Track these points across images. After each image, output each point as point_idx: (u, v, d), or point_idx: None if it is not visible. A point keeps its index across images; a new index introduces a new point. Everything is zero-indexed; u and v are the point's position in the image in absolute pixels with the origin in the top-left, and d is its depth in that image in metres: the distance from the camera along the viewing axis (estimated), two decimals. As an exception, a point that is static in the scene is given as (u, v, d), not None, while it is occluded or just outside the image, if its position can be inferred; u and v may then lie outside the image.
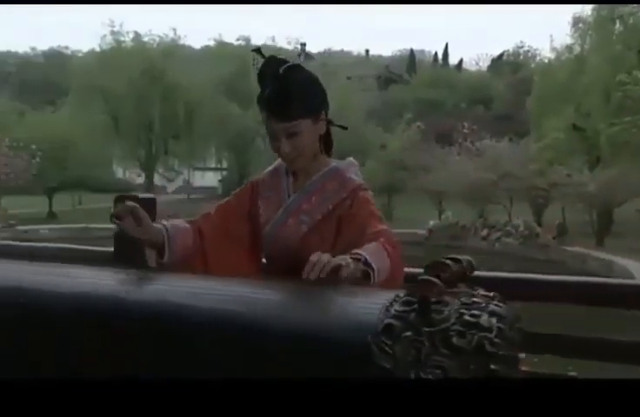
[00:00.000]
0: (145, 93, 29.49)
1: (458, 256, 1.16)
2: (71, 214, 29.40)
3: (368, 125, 32.87)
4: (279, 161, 1.76)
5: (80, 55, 39.89)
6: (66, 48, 50.03)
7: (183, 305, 1.15)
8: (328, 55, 53.87)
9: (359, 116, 32.68)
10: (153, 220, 1.63)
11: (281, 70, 1.60)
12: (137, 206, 1.51)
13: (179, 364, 1.11)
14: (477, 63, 56.48)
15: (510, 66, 42.78)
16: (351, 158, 1.80)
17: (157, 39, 31.73)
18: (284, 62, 1.64)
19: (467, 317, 0.97)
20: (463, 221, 23.82)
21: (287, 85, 1.60)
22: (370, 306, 1.04)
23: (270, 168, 1.81)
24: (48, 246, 2.79)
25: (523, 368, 1.20)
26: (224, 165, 37.86)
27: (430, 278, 0.99)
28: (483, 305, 1.04)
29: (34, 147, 26.01)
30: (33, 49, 55.41)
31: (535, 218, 22.69)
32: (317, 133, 1.65)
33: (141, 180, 34.88)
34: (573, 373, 2.39)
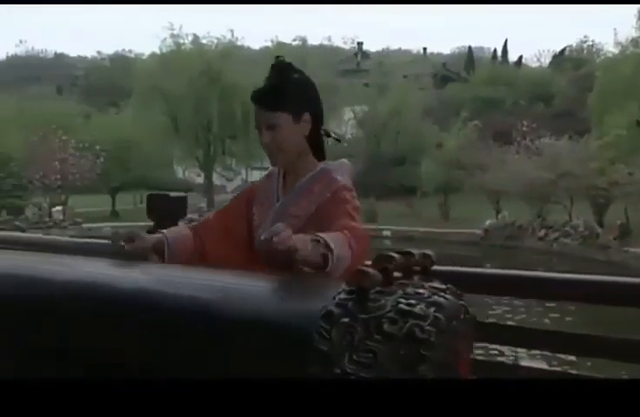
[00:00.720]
0: (203, 94, 30.11)
1: (414, 250, 1.23)
2: (133, 212, 30.36)
3: (424, 124, 32.62)
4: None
5: (143, 58, 41.06)
6: (130, 51, 51.64)
7: (162, 292, 1.26)
8: (386, 54, 53.67)
9: (415, 115, 32.48)
10: (184, 216, 1.79)
11: (275, 62, 1.71)
12: (129, 233, 1.66)
13: (161, 345, 1.21)
14: (539, 60, 55.20)
15: (572, 62, 41.62)
16: (344, 159, 1.87)
17: (215, 41, 32.38)
18: (288, 63, 1.74)
19: (402, 306, 1.05)
20: (520, 221, 23.37)
21: (276, 78, 1.71)
22: (322, 295, 1.12)
23: (266, 172, 1.91)
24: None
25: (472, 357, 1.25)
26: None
27: (364, 269, 1.06)
28: (426, 295, 1.11)
29: (98, 148, 26.96)
30: (99, 52, 57.42)
31: (596, 218, 22.04)
32: (300, 133, 1.73)
33: (200, 179, 35.63)
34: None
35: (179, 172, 39.45)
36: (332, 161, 1.84)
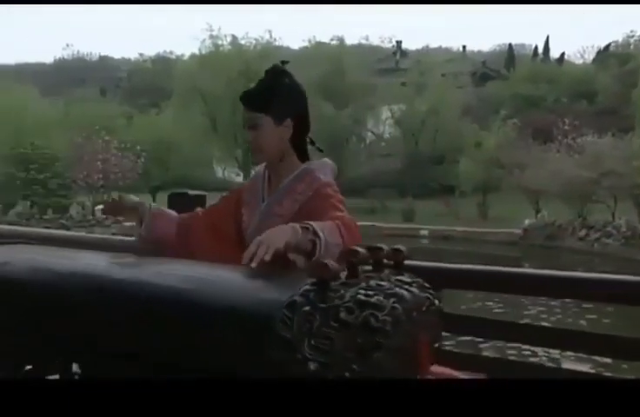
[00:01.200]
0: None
1: (382, 245, 1.30)
2: (174, 211, 30.90)
3: (463, 123, 32.34)
4: (259, 167, 1.94)
5: (184, 59, 41.70)
6: (171, 53, 52.51)
7: (148, 282, 1.35)
8: (425, 52, 53.31)
9: (454, 114, 32.22)
10: None
11: (274, 65, 1.80)
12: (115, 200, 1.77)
13: (144, 329, 1.30)
14: (582, 56, 54.05)
15: (617, 58, 40.61)
16: (326, 159, 1.95)
17: (254, 42, 32.75)
18: (281, 69, 1.83)
19: (360, 296, 1.12)
20: (560, 221, 22.99)
21: (266, 82, 1.79)
22: (292, 287, 1.20)
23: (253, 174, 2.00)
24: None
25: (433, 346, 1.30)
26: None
27: (324, 261, 1.14)
28: (386, 287, 1.18)
29: (139, 148, 27.52)
30: (141, 54, 58.52)
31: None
32: (280, 136, 1.82)
33: (240, 179, 36.05)
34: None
35: (219, 171, 39.99)
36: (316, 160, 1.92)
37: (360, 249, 1.21)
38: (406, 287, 1.20)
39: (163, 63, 46.95)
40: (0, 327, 1.50)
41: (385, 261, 1.32)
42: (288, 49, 39.19)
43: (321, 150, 1.93)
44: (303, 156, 1.89)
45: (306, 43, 36.67)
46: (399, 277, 1.25)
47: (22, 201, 25.58)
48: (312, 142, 1.90)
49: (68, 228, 22.25)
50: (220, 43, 32.38)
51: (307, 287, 1.15)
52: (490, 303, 12.53)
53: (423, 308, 1.20)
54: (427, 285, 1.28)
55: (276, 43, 34.15)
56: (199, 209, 2.00)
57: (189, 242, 1.87)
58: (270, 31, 33.00)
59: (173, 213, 1.94)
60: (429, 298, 1.23)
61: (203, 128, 31.68)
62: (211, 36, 32.16)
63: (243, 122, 1.85)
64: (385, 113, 34.43)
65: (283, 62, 1.86)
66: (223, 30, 32.54)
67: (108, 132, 27.41)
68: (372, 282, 1.17)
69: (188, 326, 1.21)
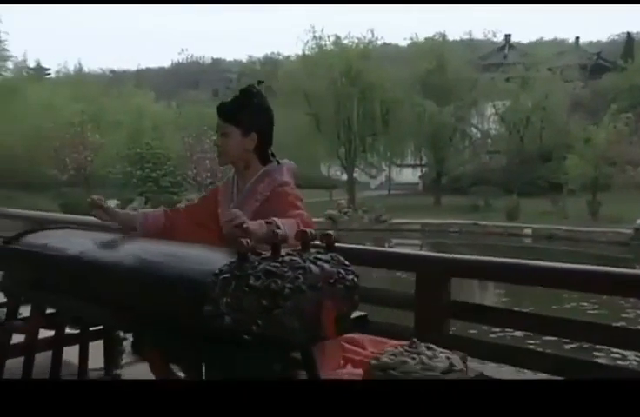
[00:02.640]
0: (344, 94, 30.91)
1: (309, 230, 1.60)
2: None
3: (572, 118, 31.05)
4: (230, 173, 2.29)
5: (290, 60, 42.77)
6: (278, 54, 53.91)
7: (134, 255, 1.74)
8: (535, 45, 51.49)
9: (561, 109, 31.01)
10: None
11: (248, 86, 2.14)
12: (101, 200, 2.15)
13: (118, 290, 1.68)
14: None
15: None
16: (286, 160, 2.27)
17: (356, 41, 33.05)
18: (255, 87, 2.17)
19: (269, 267, 1.43)
20: (674, 220, 21.67)
21: (239, 99, 2.13)
22: (225, 260, 1.52)
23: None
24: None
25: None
26: (425, 162, 38.12)
27: (240, 239, 1.45)
28: (297, 262, 1.48)
29: (245, 147, 28.66)
30: (250, 56, 60.51)
31: None
32: (245, 145, 2.17)
33: (345, 176, 36.52)
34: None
35: (325, 169, 40.68)
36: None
37: (280, 232, 1.52)
38: (319, 263, 1.49)
39: (270, 65, 48.37)
40: (38, 285, 1.96)
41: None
42: (389, 47, 39.21)
43: (278, 162, 2.25)
44: (265, 160, 2.23)
45: (408, 41, 36.58)
46: (319, 256, 1.54)
47: (138, 197, 27.41)
48: (273, 155, 2.23)
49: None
50: (323, 43, 33.00)
51: (232, 260, 1.47)
52: (585, 304, 12.17)
53: (331, 281, 1.48)
54: (345, 263, 1.56)
55: (379, 42, 34.32)
56: (179, 206, 2.38)
57: (174, 234, 2.23)
58: (372, 30, 33.16)
59: (158, 212, 2.31)
60: (339, 272, 1.51)
61: (306, 127, 32.40)
62: (314, 37, 32.84)
63: (216, 129, 2.20)
64: (490, 109, 33.66)
65: (260, 82, 2.20)
66: (326, 31, 33.14)
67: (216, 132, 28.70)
68: (287, 258, 1.47)
69: (151, 287, 1.58)
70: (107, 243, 1.97)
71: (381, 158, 35.90)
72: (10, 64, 26.41)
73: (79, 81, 36.46)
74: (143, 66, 70.17)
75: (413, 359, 1.30)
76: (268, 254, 1.48)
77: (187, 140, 27.95)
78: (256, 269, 1.41)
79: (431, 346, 1.37)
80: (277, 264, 1.43)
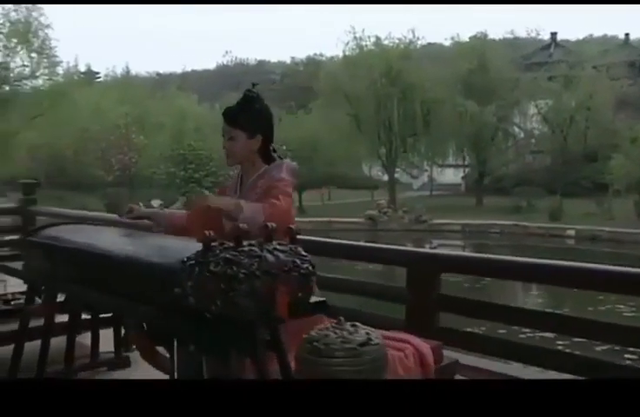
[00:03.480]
0: (385, 94, 31.01)
1: (271, 224, 1.81)
2: (319, 208, 32.20)
3: (618, 117, 30.42)
4: (236, 170, 2.51)
5: (332, 60, 43.02)
6: (321, 55, 54.21)
7: (125, 248, 1.98)
8: (586, 41, 50.51)
9: (607, 108, 30.40)
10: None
11: (247, 91, 2.35)
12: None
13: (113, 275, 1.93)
14: None
15: None
16: (287, 159, 2.48)
17: (397, 41, 33.09)
18: (255, 92, 2.39)
19: (228, 256, 1.65)
20: None
21: (242, 104, 2.35)
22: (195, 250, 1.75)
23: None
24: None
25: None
26: (468, 162, 37.88)
27: (204, 231, 1.67)
28: (255, 251, 1.69)
29: (284, 147, 29.04)
30: (293, 58, 61.03)
31: None
32: (251, 147, 2.38)
33: (385, 177, 36.57)
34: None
35: (366, 170, 40.79)
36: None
37: (245, 226, 1.74)
38: (275, 252, 1.71)
39: (313, 65, 48.71)
40: (50, 272, 2.23)
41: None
42: (431, 47, 39.06)
43: (281, 158, 2.47)
44: (268, 159, 2.44)
45: (450, 41, 36.42)
46: (278, 247, 1.75)
47: (181, 197, 28.06)
48: (274, 151, 2.44)
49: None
50: (364, 44, 33.15)
51: (199, 249, 1.69)
52: (622, 306, 12.04)
53: (285, 268, 1.69)
54: (302, 253, 1.76)
55: (420, 42, 34.29)
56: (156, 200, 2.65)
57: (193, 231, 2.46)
58: (413, 30, 33.16)
59: (179, 212, 2.56)
60: (294, 261, 1.72)
61: (347, 127, 32.57)
62: (355, 38, 33.02)
63: (222, 132, 2.42)
64: (532, 109, 33.22)
65: (254, 85, 2.41)
66: (367, 32, 33.28)
67: (257, 133, 29.14)
68: (246, 248, 1.69)
69: (137, 272, 1.83)
70: (108, 236, 2.23)
71: (422, 158, 35.79)
72: (60, 70, 27.44)
73: (126, 84, 37.49)
74: (189, 69, 71.56)
75: (335, 333, 1.49)
76: (231, 244, 1.70)
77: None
78: (216, 257, 1.63)
79: (356, 324, 1.56)
80: (236, 253, 1.64)
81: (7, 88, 25.66)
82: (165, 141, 29.41)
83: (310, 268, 1.76)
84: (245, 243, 1.73)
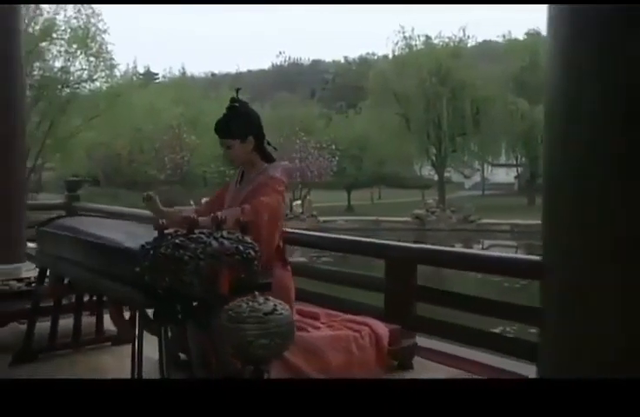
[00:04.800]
0: (434, 93, 30.93)
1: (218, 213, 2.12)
2: (368, 207, 32.40)
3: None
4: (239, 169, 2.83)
5: (384, 60, 43.10)
6: (373, 54, 54.28)
7: (108, 233, 2.33)
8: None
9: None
10: None
11: (229, 104, 2.67)
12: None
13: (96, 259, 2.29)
14: None
15: None
16: (286, 162, 2.80)
17: (447, 40, 32.94)
18: (237, 100, 2.70)
19: (177, 241, 1.97)
20: None
21: (228, 115, 2.66)
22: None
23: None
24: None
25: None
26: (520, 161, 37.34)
27: (157, 221, 2.00)
28: (202, 238, 2.00)
29: (334, 147, 29.35)
30: (346, 57, 61.25)
31: None
32: (246, 149, 2.69)
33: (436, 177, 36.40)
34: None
35: (418, 169, 40.67)
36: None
37: (193, 216, 2.06)
38: (220, 239, 2.02)
39: (365, 65, 48.86)
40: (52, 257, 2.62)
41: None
42: (479, 46, 38.62)
43: (275, 149, 2.78)
44: (267, 157, 2.75)
45: (502, 39, 35.98)
46: (226, 235, 2.07)
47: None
48: (269, 143, 2.75)
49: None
50: (413, 43, 33.12)
51: (156, 237, 2.02)
52: None
53: (228, 253, 2.00)
54: (246, 241, 2.07)
55: (470, 41, 34.02)
56: (205, 199, 2.97)
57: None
58: (463, 29, 32.91)
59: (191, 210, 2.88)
60: (237, 247, 2.03)
61: (397, 127, 32.62)
62: (404, 38, 33.02)
63: (220, 143, 2.74)
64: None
65: (237, 90, 2.73)
66: (416, 32, 33.22)
67: (307, 133, 29.59)
68: (195, 235, 2.01)
69: (112, 255, 2.18)
70: (102, 226, 2.60)
71: (473, 158, 35.46)
72: (117, 72, 28.56)
73: (180, 85, 38.54)
74: (245, 69, 72.71)
75: (247, 304, 1.78)
76: (183, 231, 2.03)
77: (279, 140, 28.99)
78: (168, 242, 1.96)
79: (269, 298, 1.85)
80: (184, 239, 1.97)
81: (67, 90, 26.85)
82: (217, 140, 30.11)
83: (252, 253, 2.07)
84: (196, 231, 2.06)
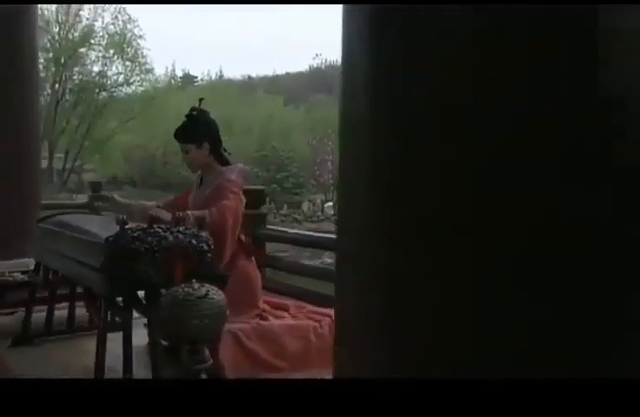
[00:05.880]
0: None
1: (184, 213, 2.35)
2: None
3: None
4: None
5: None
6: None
7: (85, 225, 2.58)
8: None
9: None
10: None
11: (188, 112, 2.91)
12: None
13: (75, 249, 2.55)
14: None
15: None
16: (240, 164, 3.00)
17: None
18: (196, 109, 2.93)
19: (135, 234, 2.20)
20: None
21: (187, 122, 2.90)
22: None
23: None
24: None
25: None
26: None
27: (117, 216, 2.23)
28: (159, 232, 2.23)
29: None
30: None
31: None
32: (202, 154, 2.94)
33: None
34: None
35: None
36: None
37: (153, 213, 2.29)
38: (175, 234, 2.25)
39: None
40: (42, 251, 2.89)
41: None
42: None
43: (229, 154, 3.00)
44: (223, 161, 2.98)
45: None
46: (182, 230, 2.29)
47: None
48: (225, 150, 2.97)
49: (299, 223, 25.03)
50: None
51: (117, 231, 2.27)
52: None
53: (181, 245, 2.23)
54: (200, 235, 2.30)
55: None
56: (173, 197, 3.21)
57: None
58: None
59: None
60: (190, 241, 2.25)
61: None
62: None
63: (180, 148, 2.98)
64: None
65: (200, 100, 2.96)
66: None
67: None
68: (152, 230, 2.24)
69: (86, 246, 2.43)
70: (88, 222, 2.85)
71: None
72: (154, 76, 29.30)
73: (217, 88, 39.14)
74: (283, 71, 73.18)
75: (183, 289, 2.00)
76: (144, 226, 2.27)
77: (312, 143, 29.24)
78: (127, 235, 2.20)
79: (204, 284, 2.06)
80: (142, 232, 2.20)
81: (104, 94, 27.67)
82: (251, 142, 30.55)
83: (205, 246, 2.29)
84: (155, 226, 2.29)
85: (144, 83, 28.65)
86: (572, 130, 0.96)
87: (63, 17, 26.27)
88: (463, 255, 1.01)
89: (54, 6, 25.35)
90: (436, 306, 1.04)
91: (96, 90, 27.38)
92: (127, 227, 2.26)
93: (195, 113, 2.95)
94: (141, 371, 2.39)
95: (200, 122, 2.94)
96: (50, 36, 25.86)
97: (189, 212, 2.61)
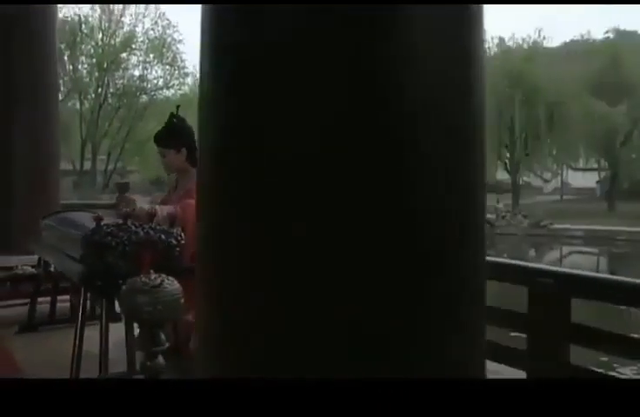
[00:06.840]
0: (506, 96, 30.44)
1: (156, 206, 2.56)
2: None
3: None
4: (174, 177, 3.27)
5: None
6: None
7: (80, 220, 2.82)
8: None
9: None
10: None
11: (168, 119, 3.12)
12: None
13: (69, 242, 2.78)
14: None
15: None
16: None
17: (521, 42, 32.40)
18: (175, 116, 3.14)
19: (109, 230, 2.42)
20: None
21: (165, 127, 3.11)
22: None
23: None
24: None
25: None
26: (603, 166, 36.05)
27: (94, 214, 2.45)
28: (131, 228, 2.44)
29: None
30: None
31: None
32: (179, 159, 3.14)
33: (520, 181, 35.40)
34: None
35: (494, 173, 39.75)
36: None
37: (132, 209, 2.51)
38: (146, 230, 2.45)
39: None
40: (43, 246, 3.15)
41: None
42: (556, 47, 37.60)
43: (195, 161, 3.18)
44: (194, 166, 3.18)
45: (578, 38, 35.01)
46: (154, 226, 2.50)
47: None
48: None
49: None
50: (486, 45, 32.71)
51: (94, 227, 2.48)
52: None
53: (151, 240, 2.43)
54: (170, 232, 2.50)
55: (545, 43, 33.32)
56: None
57: None
58: (539, 30, 32.35)
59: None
60: (160, 236, 2.45)
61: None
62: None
63: (158, 151, 3.19)
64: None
65: (177, 107, 3.16)
66: (488, 34, 32.91)
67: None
68: (125, 226, 2.45)
69: (73, 241, 2.65)
70: (83, 218, 3.10)
71: (548, 162, 34.55)
72: (190, 80, 29.97)
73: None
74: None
75: (141, 279, 2.19)
76: (119, 222, 2.48)
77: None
78: (102, 231, 2.41)
79: (162, 275, 2.24)
80: (115, 228, 2.42)
81: (144, 97, 28.44)
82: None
83: (174, 241, 2.49)
84: (129, 222, 2.50)
85: (182, 87, 29.40)
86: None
87: (106, 24, 27.14)
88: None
89: (97, 13, 26.25)
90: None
91: (137, 94, 28.17)
92: (102, 223, 2.49)
93: (174, 120, 3.16)
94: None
95: (178, 129, 3.15)
96: (93, 43, 26.74)
97: (157, 207, 2.81)
